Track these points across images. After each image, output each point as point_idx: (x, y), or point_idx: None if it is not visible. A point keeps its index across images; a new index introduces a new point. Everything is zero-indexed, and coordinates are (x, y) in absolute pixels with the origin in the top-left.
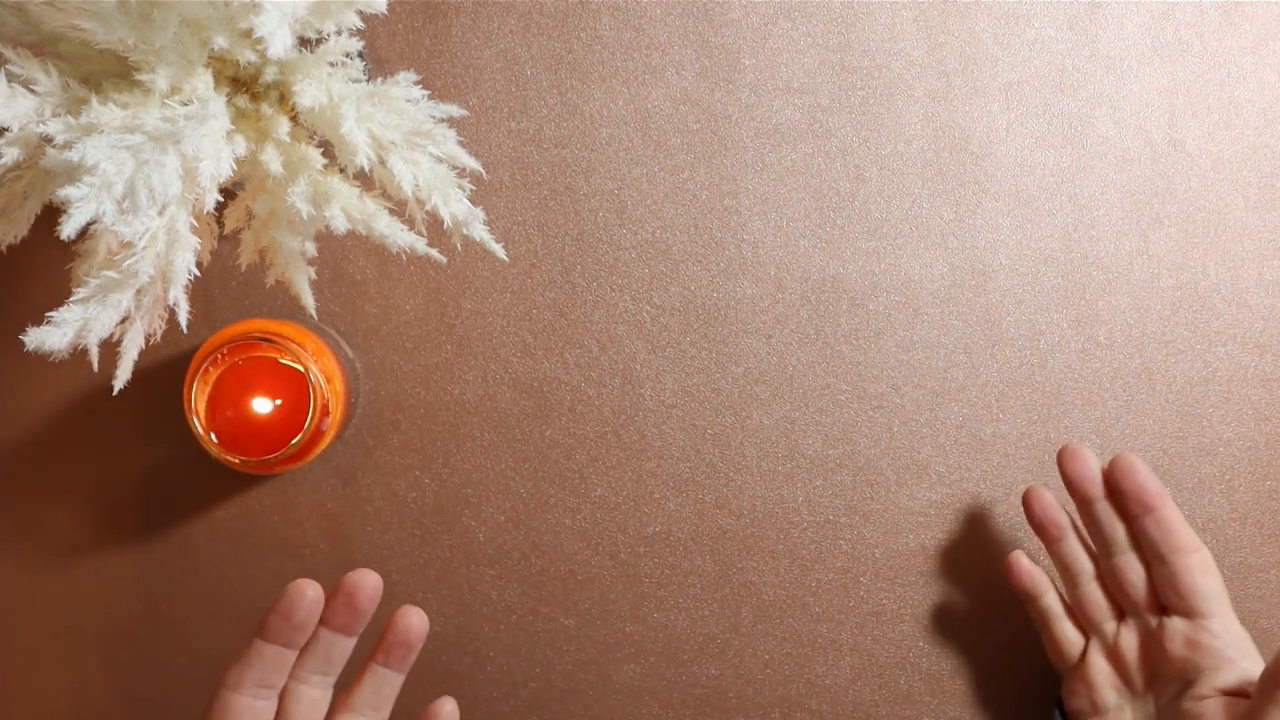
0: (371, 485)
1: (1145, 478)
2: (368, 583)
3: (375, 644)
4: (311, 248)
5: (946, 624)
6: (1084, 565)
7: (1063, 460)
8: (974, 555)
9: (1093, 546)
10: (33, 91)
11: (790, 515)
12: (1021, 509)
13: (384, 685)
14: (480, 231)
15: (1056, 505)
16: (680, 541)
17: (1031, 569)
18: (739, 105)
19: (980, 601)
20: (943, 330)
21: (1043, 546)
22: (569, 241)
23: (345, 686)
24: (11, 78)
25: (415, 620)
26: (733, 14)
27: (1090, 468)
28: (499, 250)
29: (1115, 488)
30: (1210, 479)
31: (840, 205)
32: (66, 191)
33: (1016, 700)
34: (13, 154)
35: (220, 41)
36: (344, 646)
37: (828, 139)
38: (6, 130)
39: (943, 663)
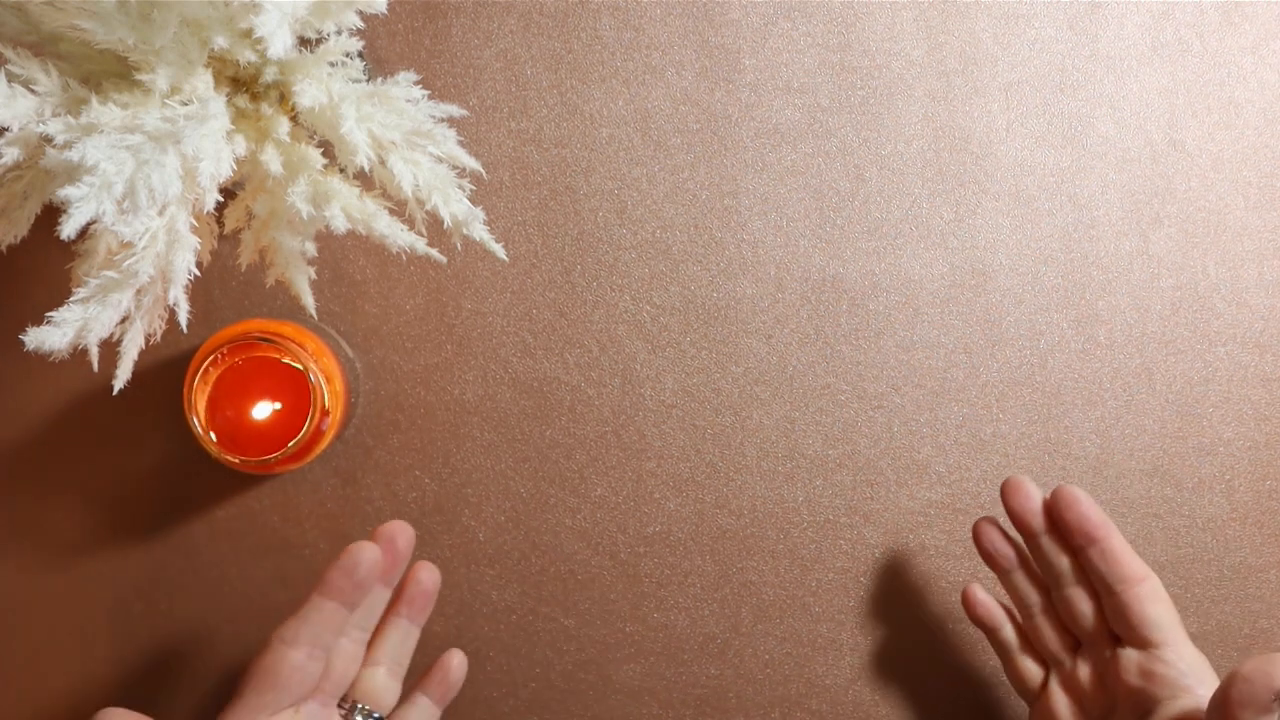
0: (371, 485)
1: (1087, 508)
2: (405, 531)
3: (394, 598)
4: (311, 248)
5: (947, 624)
6: (1035, 598)
7: (1005, 494)
8: (975, 556)
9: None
10: (33, 91)
11: (790, 515)
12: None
13: (406, 638)
14: (480, 231)
15: (1003, 538)
16: (680, 541)
17: (987, 601)
18: (739, 105)
19: None
20: (943, 330)
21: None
22: (569, 241)
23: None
24: (11, 78)
25: (428, 574)
26: (733, 14)
27: (1033, 500)
28: (499, 250)
29: (1057, 520)
30: (1210, 479)
31: (840, 205)
32: (66, 191)
33: (1016, 699)
34: (13, 154)
35: (220, 41)
36: (383, 598)
37: (828, 139)
38: (6, 130)
39: (942, 663)
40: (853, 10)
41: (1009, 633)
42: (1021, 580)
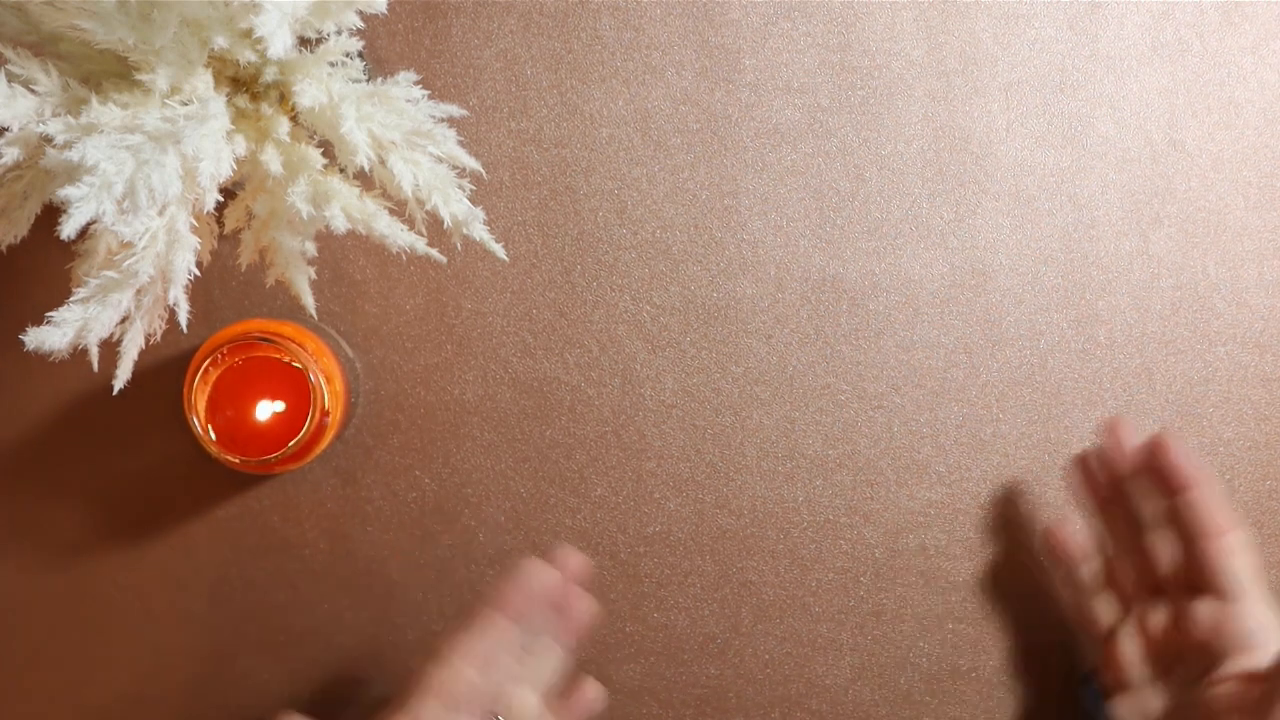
0: (371, 485)
1: (1179, 457)
2: (577, 557)
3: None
4: (311, 248)
5: (947, 624)
6: (1123, 538)
7: (1106, 432)
8: (974, 555)
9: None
10: (33, 91)
11: (790, 515)
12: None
13: (556, 661)
14: (480, 231)
15: (1104, 470)
16: (680, 541)
17: (1073, 535)
18: (739, 105)
19: (980, 601)
20: (943, 330)
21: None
22: (569, 241)
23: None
24: (11, 78)
25: (587, 604)
26: (733, 14)
27: (1129, 442)
28: (499, 250)
29: (1154, 464)
30: None
31: (840, 205)
32: (66, 191)
33: (1017, 700)
34: (13, 154)
35: (220, 41)
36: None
37: (828, 139)
38: (6, 130)
39: (942, 663)
40: (853, 10)
41: (1086, 570)
42: (1113, 518)
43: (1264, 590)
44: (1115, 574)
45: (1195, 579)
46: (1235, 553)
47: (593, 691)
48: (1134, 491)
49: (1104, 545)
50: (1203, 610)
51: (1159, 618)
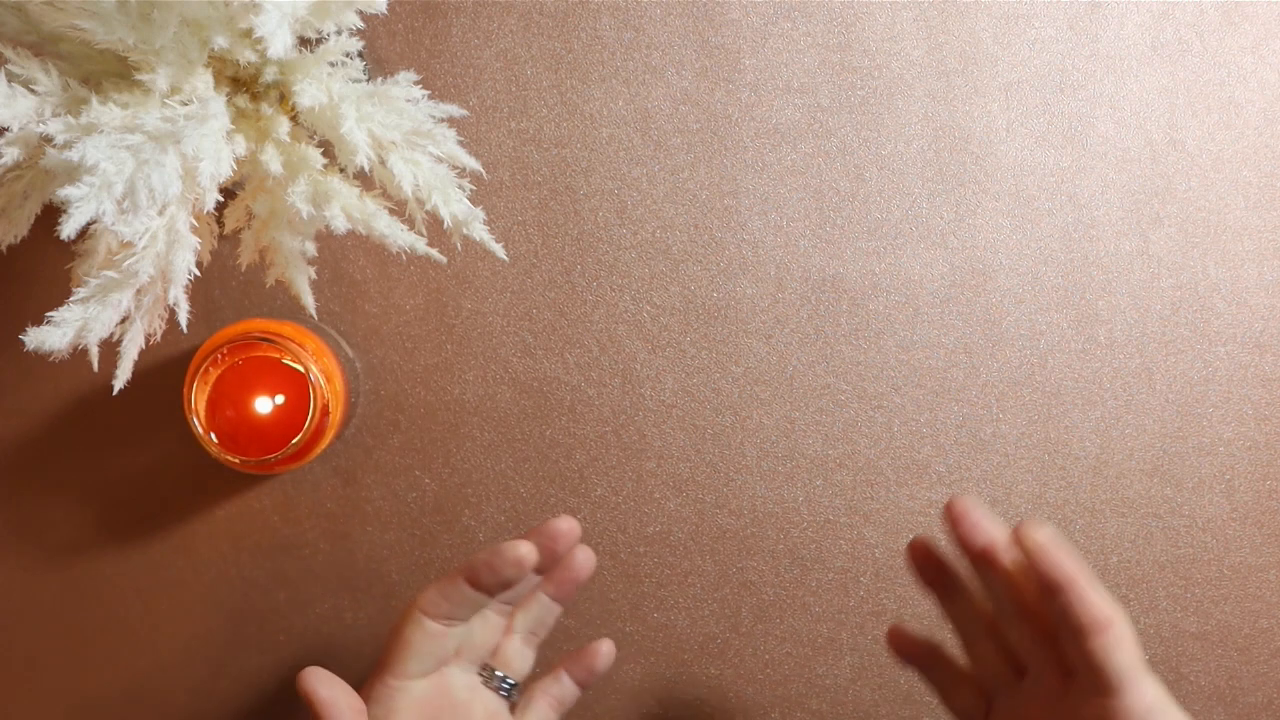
0: (371, 485)
1: (1058, 555)
2: (572, 531)
3: (547, 575)
4: (311, 248)
5: (947, 624)
6: (973, 625)
7: (954, 521)
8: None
9: (984, 600)
10: (33, 91)
11: (790, 515)
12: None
13: (547, 614)
14: (480, 231)
15: (947, 557)
16: (680, 541)
17: (918, 637)
18: (739, 105)
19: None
20: (943, 330)
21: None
22: (569, 241)
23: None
24: (11, 78)
25: (585, 559)
26: (733, 14)
27: (983, 530)
28: (499, 250)
29: (1029, 564)
30: (1210, 479)
31: (840, 205)
32: (66, 191)
33: None
34: (13, 154)
35: (220, 41)
36: (533, 582)
37: (828, 139)
38: (6, 130)
39: None
40: (853, 10)
41: (944, 669)
42: (961, 605)
43: (1144, 671)
44: (978, 661)
45: (1078, 670)
46: (1120, 646)
47: (605, 647)
48: (991, 577)
49: (960, 632)
50: (1087, 700)
51: (1031, 703)
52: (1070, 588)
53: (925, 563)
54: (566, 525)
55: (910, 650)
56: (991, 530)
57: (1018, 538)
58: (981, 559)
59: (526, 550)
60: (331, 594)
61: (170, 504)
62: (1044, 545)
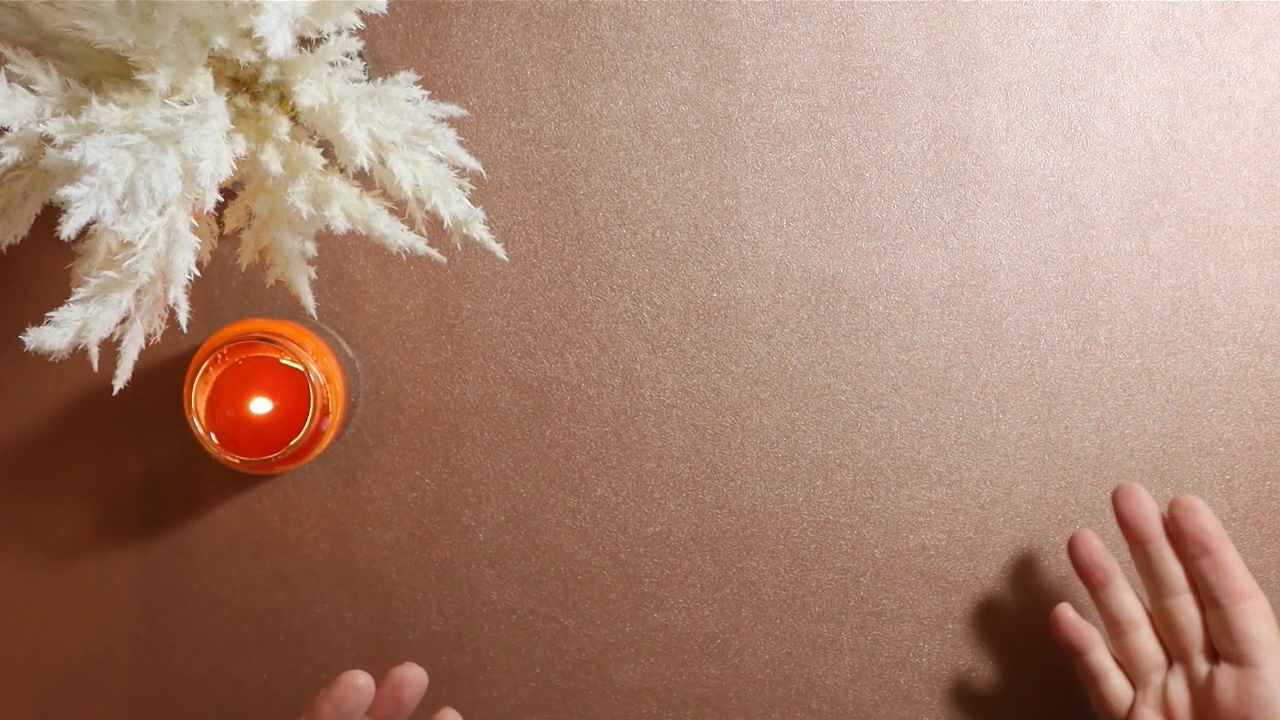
0: (371, 485)
1: (1205, 518)
2: (416, 678)
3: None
4: (311, 248)
5: (947, 624)
6: (1133, 613)
7: (1118, 499)
8: (975, 556)
9: (1139, 593)
10: (33, 91)
11: (790, 515)
12: (1066, 551)
13: None
14: (480, 231)
15: (1104, 550)
16: (680, 541)
17: (1079, 623)
18: (739, 105)
19: (980, 601)
20: (943, 330)
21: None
22: (569, 241)
23: None
24: (11, 78)
25: (412, 692)
26: (733, 14)
27: (1146, 507)
28: (499, 250)
29: (1174, 528)
30: (1210, 479)
31: (840, 205)
32: (66, 191)
33: (1016, 699)
34: (13, 154)
35: (220, 41)
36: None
37: (828, 139)
38: (6, 130)
39: (942, 663)
40: (853, 10)
41: (1099, 654)
42: (1118, 594)
43: None
44: (1129, 650)
45: (1219, 643)
46: (1259, 616)
47: (412, 673)
48: (1148, 556)
49: (1111, 623)
50: (1228, 676)
51: (1178, 689)
52: (1219, 551)
53: (1091, 560)
54: (410, 672)
55: (1071, 635)
56: (1151, 507)
57: (1174, 504)
58: (1141, 539)
59: (363, 677)
60: (331, 594)
61: (170, 504)
62: (1196, 506)
